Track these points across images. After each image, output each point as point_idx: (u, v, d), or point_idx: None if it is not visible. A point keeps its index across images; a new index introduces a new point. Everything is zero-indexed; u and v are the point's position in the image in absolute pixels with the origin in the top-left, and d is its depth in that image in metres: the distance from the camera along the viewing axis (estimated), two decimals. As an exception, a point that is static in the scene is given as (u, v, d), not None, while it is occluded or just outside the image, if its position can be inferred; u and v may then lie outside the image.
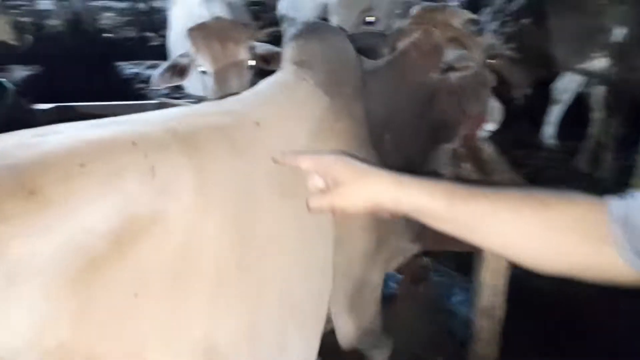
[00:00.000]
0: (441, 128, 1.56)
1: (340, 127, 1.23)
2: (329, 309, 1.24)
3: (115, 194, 0.74)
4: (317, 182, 0.88)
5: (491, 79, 1.64)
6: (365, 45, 1.51)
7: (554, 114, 3.91)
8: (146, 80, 4.50)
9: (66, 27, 5.99)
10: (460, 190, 0.77)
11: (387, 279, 2.57)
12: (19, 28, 2.99)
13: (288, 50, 1.34)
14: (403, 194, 0.79)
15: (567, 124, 3.89)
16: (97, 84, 4.23)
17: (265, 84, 1.31)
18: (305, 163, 0.89)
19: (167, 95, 3.85)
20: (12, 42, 2.96)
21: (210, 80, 1.71)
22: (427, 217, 0.80)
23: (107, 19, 7.35)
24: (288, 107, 1.21)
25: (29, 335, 0.63)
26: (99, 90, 3.81)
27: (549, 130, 3.95)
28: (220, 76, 1.67)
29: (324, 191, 0.87)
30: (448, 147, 1.68)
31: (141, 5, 6.76)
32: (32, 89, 4.10)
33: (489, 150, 2.25)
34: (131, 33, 6.55)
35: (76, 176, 0.71)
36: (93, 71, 4.67)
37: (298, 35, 1.36)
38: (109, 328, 0.71)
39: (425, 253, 2.72)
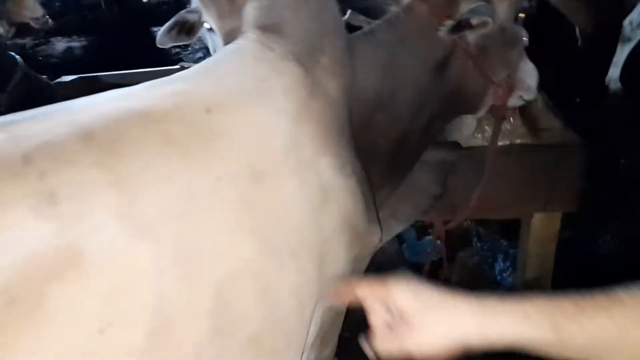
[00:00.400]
0: (459, 100, 1.31)
1: (317, 108, 0.98)
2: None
3: (4, 236, 0.56)
4: (380, 315, 0.72)
5: (522, 36, 1.37)
6: (364, 4, 1.30)
7: (623, 53, 3.45)
8: (182, 45, 4.44)
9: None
10: (564, 304, 0.61)
11: (426, 245, 2.47)
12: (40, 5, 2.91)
13: (249, 12, 1.06)
14: (491, 324, 0.64)
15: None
16: (134, 51, 4.22)
17: (219, 55, 1.07)
18: (364, 291, 0.74)
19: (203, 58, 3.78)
20: (36, 23, 2.88)
21: (218, 40, 1.57)
22: (528, 347, 0.63)
23: (144, -16, 7.37)
24: (248, 85, 0.95)
25: None
26: (136, 57, 3.78)
27: (615, 73, 3.51)
28: (229, 35, 1.54)
29: (390, 327, 0.71)
30: (472, 119, 1.45)
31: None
32: (72, 60, 4.16)
33: (538, 103, 2.00)
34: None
35: None
36: (130, 38, 4.67)
37: None
38: None
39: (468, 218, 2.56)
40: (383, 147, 1.22)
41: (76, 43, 4.98)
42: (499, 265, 2.22)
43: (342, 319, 1.23)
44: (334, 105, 1.02)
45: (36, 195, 0.59)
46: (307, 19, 1.05)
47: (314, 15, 1.06)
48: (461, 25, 1.18)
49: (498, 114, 1.41)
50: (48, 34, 4.70)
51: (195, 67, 1.01)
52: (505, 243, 2.26)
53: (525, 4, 3.21)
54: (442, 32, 1.19)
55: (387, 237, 1.41)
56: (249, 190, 0.83)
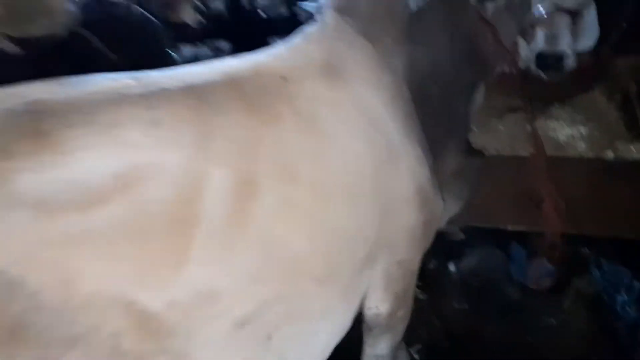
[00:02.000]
0: (481, 65, 1.39)
1: (386, 79, 1.14)
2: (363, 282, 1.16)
3: (116, 142, 0.80)
4: None
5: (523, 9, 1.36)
6: None
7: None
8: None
9: (228, 9, 6.49)
10: None
11: (540, 270, 2.36)
12: (197, 10, 3.33)
13: None
14: None
15: None
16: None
17: (301, 33, 1.21)
18: None
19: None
20: (191, 23, 3.30)
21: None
22: None
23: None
24: (323, 58, 1.11)
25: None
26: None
27: None
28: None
29: None
30: (482, 88, 1.49)
31: (293, -17, 7.03)
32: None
33: None
34: (284, 11, 6.87)
35: (81, 125, 0.79)
36: (248, 47, 5.01)
37: None
38: (108, 258, 0.77)
39: (587, 243, 2.41)
40: (442, 116, 1.33)
41: (201, 50, 5.44)
42: (622, 297, 2.05)
43: (413, 282, 1.35)
44: (398, 79, 1.16)
45: (145, 119, 0.84)
46: (374, 4, 1.20)
47: (380, 1, 1.20)
48: None
49: (515, 83, 1.40)
50: (176, 40, 5.19)
51: (279, 44, 1.19)
52: (629, 273, 2.09)
53: None
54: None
55: (447, 217, 1.51)
56: (310, 141, 1.00)
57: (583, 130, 2.04)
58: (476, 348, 1.99)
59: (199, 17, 3.26)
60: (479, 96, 1.49)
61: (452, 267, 2.42)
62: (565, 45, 1.29)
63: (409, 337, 2.00)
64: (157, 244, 0.82)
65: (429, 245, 1.38)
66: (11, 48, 2.31)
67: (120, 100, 0.85)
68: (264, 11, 7.60)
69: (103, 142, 0.80)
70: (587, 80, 2.07)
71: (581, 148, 1.97)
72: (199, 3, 3.68)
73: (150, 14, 2.53)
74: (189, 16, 3.22)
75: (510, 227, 2.08)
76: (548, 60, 1.32)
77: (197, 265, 0.85)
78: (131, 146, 0.82)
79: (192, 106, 0.90)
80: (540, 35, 1.30)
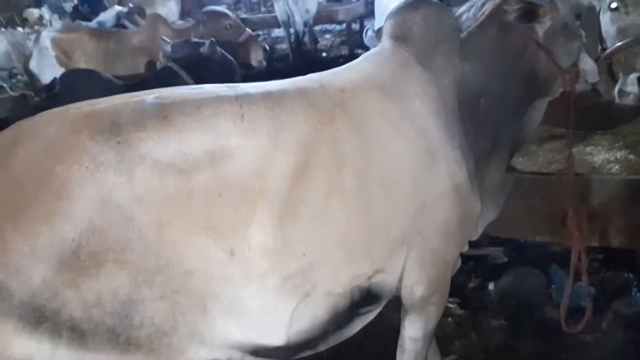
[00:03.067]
0: (535, 84, 1.54)
1: (433, 93, 1.38)
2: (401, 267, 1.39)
3: (212, 128, 1.13)
4: None
5: (581, 32, 1.56)
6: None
7: None
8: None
9: (292, 50, 7.05)
10: None
11: (578, 289, 2.40)
12: (265, 52, 3.80)
13: (387, 27, 1.51)
14: None
15: None
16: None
17: (363, 57, 1.49)
18: None
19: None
20: (257, 64, 3.76)
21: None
22: None
23: (325, 40, 8.41)
24: (377, 76, 1.38)
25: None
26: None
27: None
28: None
29: None
30: (543, 102, 1.63)
31: (354, 26, 7.49)
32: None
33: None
34: (344, 51, 7.32)
35: (190, 114, 1.11)
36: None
37: (396, 13, 1.51)
38: (200, 216, 1.09)
39: (629, 266, 2.44)
40: (488, 130, 1.51)
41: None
42: (661, 319, 2.08)
43: (448, 272, 1.54)
44: (445, 93, 1.40)
45: (235, 114, 1.16)
46: (426, 31, 1.45)
47: (432, 28, 1.46)
48: (527, 14, 1.42)
49: (568, 99, 1.59)
50: (245, 79, 5.72)
51: (343, 66, 1.49)
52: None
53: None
54: (511, 15, 1.43)
55: (484, 223, 1.67)
56: (359, 139, 1.27)
57: (619, 154, 2.16)
58: (511, 361, 2.07)
59: (263, 60, 3.74)
60: (538, 113, 1.65)
61: (491, 286, 2.52)
62: None
63: (446, 349, 2.13)
64: (233, 206, 1.12)
65: (465, 243, 1.56)
66: (116, 81, 2.82)
67: (218, 99, 1.18)
68: (325, 52, 8.10)
69: (204, 127, 1.12)
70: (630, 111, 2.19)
71: (615, 170, 2.08)
72: (267, 46, 4.16)
73: (229, 53, 2.98)
74: (255, 58, 3.70)
75: (537, 238, 2.19)
76: None
77: (260, 225, 1.14)
78: (223, 132, 1.14)
79: (269, 107, 1.21)
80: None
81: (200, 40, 2.86)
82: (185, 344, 1.12)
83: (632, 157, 2.13)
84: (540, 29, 1.49)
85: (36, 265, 0.97)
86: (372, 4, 4.96)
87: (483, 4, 1.54)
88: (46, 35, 3.85)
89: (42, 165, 1.01)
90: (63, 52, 3.68)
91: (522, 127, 1.64)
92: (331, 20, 7.63)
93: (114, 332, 1.04)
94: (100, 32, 4.05)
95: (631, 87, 1.82)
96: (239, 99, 1.19)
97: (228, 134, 1.14)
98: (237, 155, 1.13)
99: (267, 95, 1.24)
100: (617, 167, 2.11)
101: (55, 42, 3.75)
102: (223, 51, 2.85)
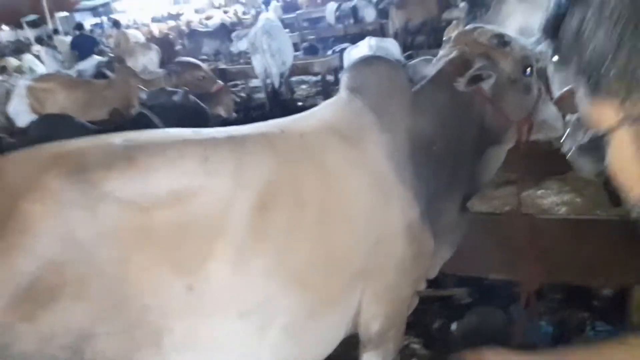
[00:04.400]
0: (485, 133, 1.66)
1: (384, 138, 1.47)
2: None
3: (178, 169, 1.18)
4: None
5: (536, 86, 1.69)
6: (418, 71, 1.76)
7: None
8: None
9: (269, 99, 7.28)
10: None
11: (539, 327, 2.48)
12: (234, 104, 3.98)
13: (344, 79, 1.64)
14: None
15: None
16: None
17: (321, 105, 1.62)
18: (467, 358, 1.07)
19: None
20: (227, 115, 3.90)
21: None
22: None
23: (301, 90, 8.71)
24: (334, 122, 1.49)
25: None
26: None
27: None
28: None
29: None
30: (500, 150, 1.75)
31: (329, 77, 7.81)
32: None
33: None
34: (320, 100, 7.58)
35: (155, 154, 1.17)
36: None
37: (352, 67, 1.66)
38: (161, 252, 1.13)
39: (585, 306, 2.53)
40: (442, 171, 1.60)
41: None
42: None
43: (404, 308, 1.61)
44: (398, 139, 1.50)
45: (200, 155, 1.21)
46: (378, 84, 1.58)
47: (383, 81, 1.58)
48: (473, 79, 1.55)
49: (522, 147, 1.71)
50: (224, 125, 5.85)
51: (306, 112, 1.60)
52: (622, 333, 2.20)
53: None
54: (461, 85, 1.56)
55: (441, 262, 1.75)
56: (318, 180, 1.36)
57: (566, 197, 2.30)
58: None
59: (231, 111, 3.92)
60: (495, 160, 1.76)
61: (454, 326, 2.57)
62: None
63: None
64: (194, 242, 1.17)
65: (421, 279, 1.63)
66: (90, 125, 2.90)
67: (184, 142, 1.25)
68: (301, 101, 8.36)
69: (169, 168, 1.18)
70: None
71: (562, 212, 2.22)
72: (243, 95, 4.33)
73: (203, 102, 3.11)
74: (226, 109, 3.87)
75: (492, 276, 2.28)
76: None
77: (220, 261, 1.18)
78: (188, 172, 1.19)
79: (232, 149, 1.27)
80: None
81: (174, 89, 3.00)
82: None
83: (578, 200, 2.27)
84: (486, 84, 1.60)
85: None
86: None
87: (439, 59, 1.71)
88: (22, 84, 3.98)
89: (7, 201, 1.06)
90: (37, 100, 3.79)
91: (479, 172, 1.74)
92: (307, 72, 7.95)
93: None
94: (71, 82, 4.22)
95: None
96: (203, 142, 1.26)
97: (192, 174, 1.19)
98: (200, 194, 1.18)
99: (231, 139, 1.31)
100: (564, 209, 2.24)
101: (30, 90, 3.86)
102: (196, 99, 2.98)
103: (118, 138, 1.22)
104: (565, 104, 2.07)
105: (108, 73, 4.92)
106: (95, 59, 5.55)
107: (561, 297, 2.65)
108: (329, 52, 8.59)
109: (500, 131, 1.68)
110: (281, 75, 6.96)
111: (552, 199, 2.31)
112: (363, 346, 1.58)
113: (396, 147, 1.49)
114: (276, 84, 6.96)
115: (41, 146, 1.21)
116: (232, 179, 1.23)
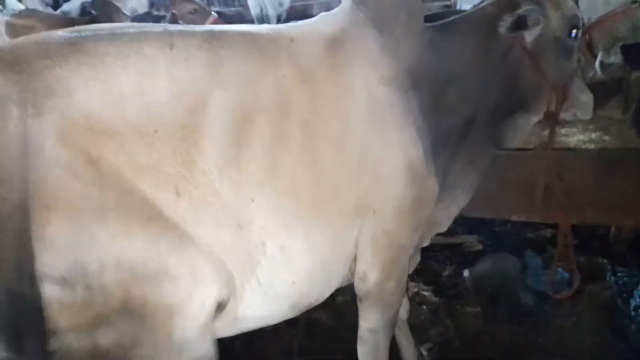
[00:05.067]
0: (517, 93, 1.46)
1: (386, 61, 1.28)
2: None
3: (134, 53, 1.00)
4: None
5: (575, 56, 1.49)
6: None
7: None
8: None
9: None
10: None
11: (556, 277, 2.37)
12: None
13: None
14: None
15: None
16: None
17: (319, 16, 1.41)
18: None
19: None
20: None
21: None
22: None
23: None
24: (331, 32, 1.29)
25: None
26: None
27: None
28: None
29: None
30: (526, 120, 1.54)
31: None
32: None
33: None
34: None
35: (105, 39, 1.00)
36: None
37: None
38: (137, 154, 0.97)
39: (603, 252, 2.42)
40: (455, 120, 1.42)
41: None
42: (635, 300, 2.05)
43: (404, 257, 1.43)
44: (401, 64, 1.30)
45: (162, 41, 1.04)
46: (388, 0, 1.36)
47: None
48: (519, 22, 1.35)
49: (551, 120, 1.50)
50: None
51: (296, 22, 1.40)
52: (644, 279, 2.09)
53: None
54: (502, 27, 1.36)
55: (452, 207, 1.58)
56: (305, 90, 1.18)
57: (593, 135, 2.13)
58: (486, 348, 2.02)
59: None
60: (520, 130, 1.55)
61: (466, 273, 2.47)
62: None
63: (420, 337, 2.06)
64: (169, 144, 0.99)
65: (421, 224, 1.44)
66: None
67: (145, 29, 1.06)
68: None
69: (124, 52, 0.99)
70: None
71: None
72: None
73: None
74: None
75: (514, 218, 2.14)
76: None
77: (200, 167, 1.02)
78: (147, 57, 1.01)
79: (205, 39, 1.09)
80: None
81: (162, 14, 2.74)
82: None
83: (606, 137, 2.10)
84: (529, 35, 1.41)
85: None
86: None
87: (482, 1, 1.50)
88: (1, 20, 3.70)
89: None
90: (16, 37, 3.51)
91: (500, 136, 1.54)
92: (305, 14, 7.55)
93: None
94: (53, 19, 3.92)
95: (614, 57, 1.76)
96: (169, 30, 1.08)
97: (154, 61, 1.01)
98: (164, 86, 1.00)
99: (207, 31, 1.14)
100: (592, 147, 2.07)
101: (9, 26, 3.60)
102: (185, 24, 2.73)
103: (62, 31, 1.02)
104: (597, 31, 1.86)
105: (93, 12, 4.62)
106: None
107: (576, 243, 2.54)
108: (329, -7, 8.14)
109: (532, 94, 1.48)
110: (278, 18, 6.61)
111: (578, 137, 2.13)
112: (360, 300, 1.43)
113: (398, 73, 1.30)
114: (273, 27, 6.63)
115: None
116: (205, 73, 1.06)
